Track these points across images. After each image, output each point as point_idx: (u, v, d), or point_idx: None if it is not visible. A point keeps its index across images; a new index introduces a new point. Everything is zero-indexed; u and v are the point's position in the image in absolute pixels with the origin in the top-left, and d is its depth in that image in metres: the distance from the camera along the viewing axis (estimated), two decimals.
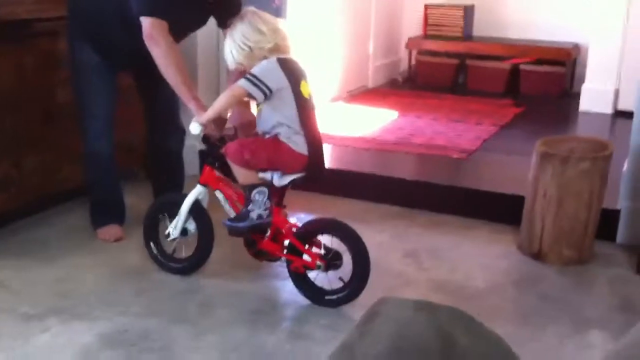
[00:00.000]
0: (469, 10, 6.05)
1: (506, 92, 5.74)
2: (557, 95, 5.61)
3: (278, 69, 2.37)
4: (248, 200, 2.47)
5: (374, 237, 3.14)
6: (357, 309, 2.47)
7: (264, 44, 2.40)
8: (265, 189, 2.45)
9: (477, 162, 3.92)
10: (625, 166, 3.11)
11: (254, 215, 2.46)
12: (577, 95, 5.27)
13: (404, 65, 6.36)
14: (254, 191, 2.45)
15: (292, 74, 2.40)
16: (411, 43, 6.15)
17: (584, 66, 5.32)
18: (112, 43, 2.82)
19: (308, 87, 2.45)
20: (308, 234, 2.53)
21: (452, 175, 3.79)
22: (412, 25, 6.29)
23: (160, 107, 3.08)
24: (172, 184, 3.19)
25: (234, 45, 2.43)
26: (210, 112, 2.48)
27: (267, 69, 2.37)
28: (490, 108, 5.19)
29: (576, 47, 5.68)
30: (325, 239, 2.54)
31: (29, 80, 3.02)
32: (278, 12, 4.35)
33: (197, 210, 2.66)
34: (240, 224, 2.49)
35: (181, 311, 2.48)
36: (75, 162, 3.16)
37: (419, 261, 2.93)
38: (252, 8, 2.49)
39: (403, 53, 6.34)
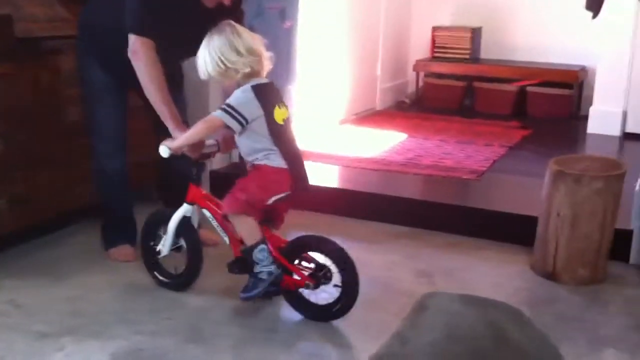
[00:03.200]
0: (476, 33, 6.09)
1: (513, 114, 5.75)
2: (565, 118, 5.63)
3: (254, 98, 2.39)
4: (252, 264, 2.49)
5: (385, 257, 3.14)
6: (377, 329, 2.47)
7: (239, 66, 2.40)
8: (263, 245, 2.48)
9: (488, 183, 3.92)
10: (638, 187, 3.11)
11: (263, 275, 2.48)
12: (585, 118, 5.29)
13: (411, 88, 6.39)
14: (254, 251, 2.48)
15: (267, 101, 2.43)
16: (418, 65, 6.19)
17: (592, 89, 5.33)
18: (119, 61, 2.83)
19: (283, 112, 2.48)
20: (294, 251, 2.56)
21: (463, 196, 3.80)
22: (419, 48, 6.34)
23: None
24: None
25: (209, 59, 2.42)
26: (183, 141, 2.52)
27: (243, 99, 2.39)
28: (498, 130, 5.20)
29: (583, 70, 5.71)
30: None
31: (43, 97, 3.04)
32: (289, 34, 4.38)
33: (185, 228, 2.71)
34: (255, 291, 2.50)
35: (196, 330, 2.48)
36: (87, 181, 3.17)
37: (432, 281, 2.92)
38: (230, 22, 2.48)
39: (410, 75, 6.37)
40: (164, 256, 2.75)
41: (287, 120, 2.50)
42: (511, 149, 4.66)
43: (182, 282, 2.77)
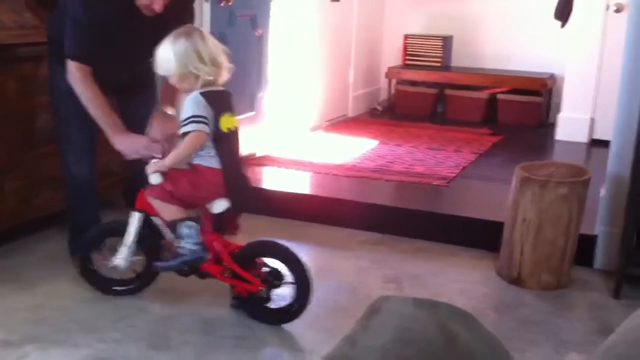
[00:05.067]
0: (447, 41, 6.14)
1: (484, 121, 5.80)
2: (534, 125, 5.69)
3: (204, 101, 2.40)
4: (176, 237, 2.47)
5: (355, 263, 3.15)
6: (343, 334, 2.47)
7: (202, 74, 2.39)
8: (193, 223, 2.45)
9: (457, 189, 3.95)
10: (602, 192, 3.16)
11: (184, 251, 2.46)
12: (553, 125, 5.36)
13: (383, 95, 6.42)
14: (181, 226, 2.45)
15: (215, 107, 2.42)
16: (391, 72, 6.22)
17: (560, 96, 5.41)
18: None
19: (230, 120, 2.47)
20: (246, 257, 2.55)
21: (433, 202, 3.82)
22: (391, 55, 6.37)
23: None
24: None
25: (174, 59, 2.39)
26: (172, 160, 2.47)
27: (199, 105, 2.39)
28: (469, 137, 5.25)
29: (552, 78, 5.78)
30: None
31: (10, 105, 3.00)
32: (260, 41, 4.39)
33: (142, 237, 2.66)
34: (170, 264, 2.49)
35: (160, 338, 2.46)
36: (54, 188, 3.14)
37: (400, 287, 2.93)
38: (197, 27, 2.49)
39: (383, 82, 6.40)
40: (123, 268, 2.67)
41: (233, 130, 2.48)
42: (481, 155, 4.70)
43: (141, 284, 2.75)
